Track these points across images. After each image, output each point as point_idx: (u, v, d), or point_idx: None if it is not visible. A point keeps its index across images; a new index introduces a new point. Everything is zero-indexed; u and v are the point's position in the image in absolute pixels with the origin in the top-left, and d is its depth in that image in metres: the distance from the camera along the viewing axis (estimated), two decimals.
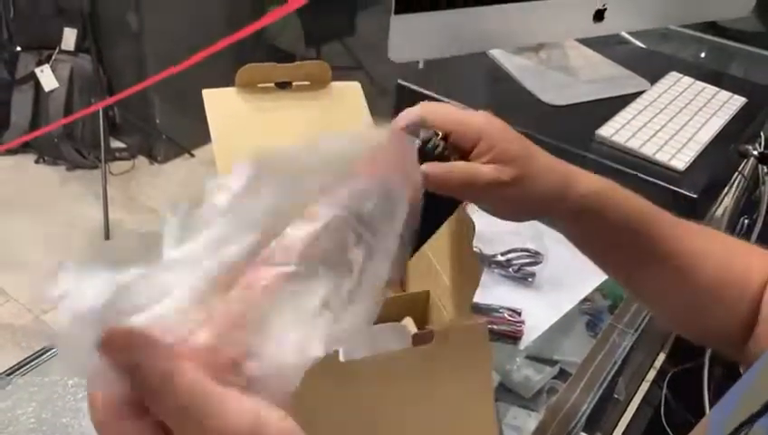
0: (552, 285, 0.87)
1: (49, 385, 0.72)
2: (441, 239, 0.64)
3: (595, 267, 0.59)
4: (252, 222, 0.32)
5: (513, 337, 0.80)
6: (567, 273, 0.86)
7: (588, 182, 0.53)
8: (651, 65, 1.26)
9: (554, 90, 1.16)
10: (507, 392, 0.78)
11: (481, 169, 0.50)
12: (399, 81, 1.13)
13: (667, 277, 0.56)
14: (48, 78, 2.60)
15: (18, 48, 2.63)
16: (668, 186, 0.97)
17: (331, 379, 0.53)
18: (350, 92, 0.72)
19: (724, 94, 1.19)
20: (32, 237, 2.30)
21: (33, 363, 0.74)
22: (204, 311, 0.29)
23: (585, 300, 0.87)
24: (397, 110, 0.53)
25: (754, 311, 0.55)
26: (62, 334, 0.27)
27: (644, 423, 1.02)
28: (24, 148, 2.68)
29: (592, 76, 1.21)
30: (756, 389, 0.40)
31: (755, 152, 1.11)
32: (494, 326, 0.79)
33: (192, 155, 2.72)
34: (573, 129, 1.07)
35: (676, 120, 1.10)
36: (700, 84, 1.21)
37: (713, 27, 1.54)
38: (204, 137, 0.65)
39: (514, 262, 0.88)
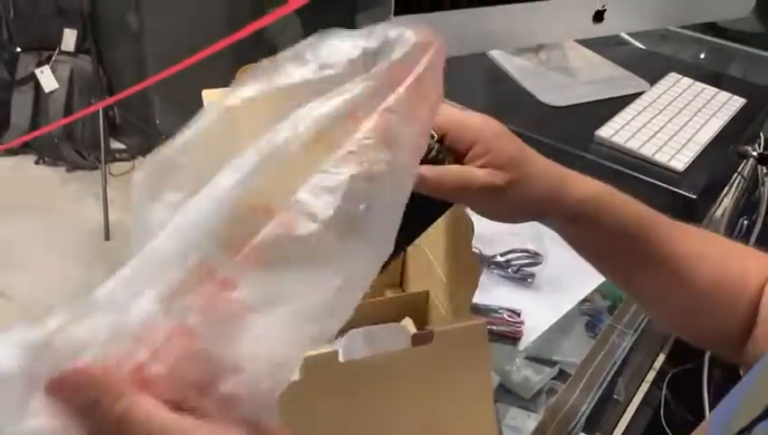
0: (552, 285, 0.87)
1: None
2: (440, 240, 0.64)
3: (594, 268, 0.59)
4: (193, 237, 0.30)
5: (513, 338, 0.80)
6: (566, 273, 0.86)
7: (585, 187, 0.53)
8: (651, 66, 1.26)
9: (554, 90, 1.16)
10: (507, 393, 0.78)
11: (475, 173, 0.50)
12: None
13: (663, 280, 0.56)
14: (48, 79, 2.60)
15: (18, 49, 2.63)
16: (668, 186, 0.97)
17: (331, 379, 0.53)
18: None
19: (724, 95, 1.19)
20: (31, 238, 2.30)
21: None
22: (155, 337, 0.28)
23: (584, 301, 0.87)
24: None
25: (752, 313, 0.55)
26: None
27: (643, 424, 1.02)
28: (24, 148, 2.68)
29: (592, 77, 1.21)
30: (756, 392, 0.40)
31: (755, 153, 1.11)
32: (494, 327, 0.79)
33: None
34: (573, 129, 1.07)
35: (675, 121, 1.10)
36: (699, 85, 1.21)
37: (712, 28, 1.54)
38: None
39: (514, 263, 0.88)
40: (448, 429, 0.60)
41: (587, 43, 1.29)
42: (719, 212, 1.09)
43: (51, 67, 2.61)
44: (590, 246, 0.57)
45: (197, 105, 0.66)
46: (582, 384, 0.76)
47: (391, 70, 0.33)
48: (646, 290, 0.59)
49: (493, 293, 0.85)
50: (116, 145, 2.73)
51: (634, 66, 1.25)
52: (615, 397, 0.87)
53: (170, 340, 0.28)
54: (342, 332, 0.54)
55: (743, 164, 1.14)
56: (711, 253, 0.57)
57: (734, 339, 0.56)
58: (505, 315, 0.81)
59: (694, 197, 0.96)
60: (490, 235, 0.89)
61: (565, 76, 1.21)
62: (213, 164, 0.31)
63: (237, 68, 0.68)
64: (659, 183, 0.98)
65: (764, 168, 1.14)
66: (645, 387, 0.90)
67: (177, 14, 2.55)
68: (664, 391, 1.11)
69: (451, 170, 0.50)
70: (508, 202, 0.51)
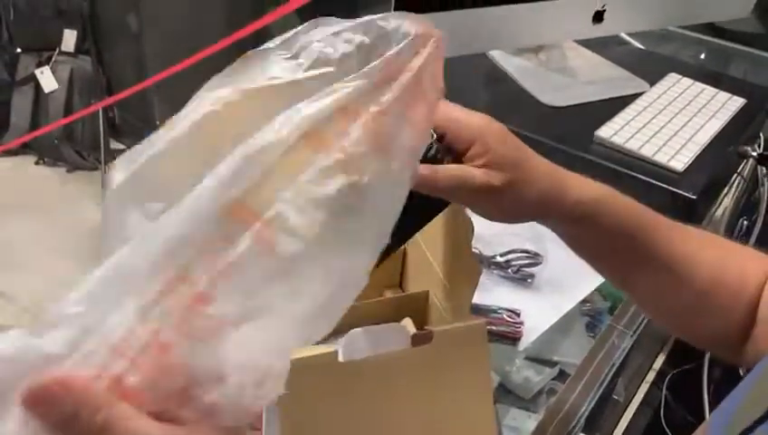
0: (552, 286, 0.87)
1: None
2: (440, 240, 0.64)
3: None
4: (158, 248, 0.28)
5: (513, 338, 0.80)
6: (566, 274, 0.86)
7: (584, 189, 0.53)
8: (650, 66, 1.26)
9: (553, 91, 1.16)
10: (507, 393, 0.78)
11: (471, 173, 0.50)
12: None
13: (663, 281, 0.56)
14: (48, 79, 2.60)
15: (18, 49, 2.63)
16: (667, 187, 0.97)
17: (331, 379, 0.53)
18: None
19: (724, 95, 1.19)
20: (31, 239, 2.30)
21: None
22: (131, 348, 0.27)
23: (584, 301, 0.87)
24: None
25: (751, 313, 0.55)
26: None
27: (643, 424, 1.02)
28: (24, 149, 2.68)
29: (591, 77, 1.21)
30: (757, 393, 0.40)
31: (754, 153, 1.11)
32: (494, 327, 0.79)
33: None
34: (572, 130, 1.07)
35: (675, 122, 1.10)
36: (699, 85, 1.21)
37: (712, 28, 1.54)
38: None
39: (514, 263, 0.88)
40: (448, 429, 0.60)
41: (587, 43, 1.29)
42: (719, 212, 1.09)
43: (51, 68, 2.61)
44: (589, 247, 0.57)
45: None
46: (582, 385, 0.76)
47: (387, 66, 0.31)
48: (644, 290, 0.59)
49: (493, 293, 0.85)
50: (116, 146, 2.73)
51: (634, 66, 1.25)
52: (615, 397, 0.87)
53: (147, 350, 0.27)
54: (342, 332, 0.54)
55: (742, 164, 1.14)
56: (709, 253, 0.57)
57: (734, 339, 0.56)
58: (505, 316, 0.81)
59: (693, 197, 0.96)
60: (490, 235, 0.89)
61: (565, 76, 1.21)
62: (196, 168, 0.29)
63: None
64: (659, 183, 0.98)
65: (764, 168, 1.14)
66: (645, 387, 0.90)
67: (176, 15, 2.55)
68: (664, 392, 1.11)
69: (447, 169, 0.50)
70: (506, 203, 0.51)
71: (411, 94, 0.32)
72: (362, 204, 0.30)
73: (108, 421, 0.26)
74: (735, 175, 1.14)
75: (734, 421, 0.39)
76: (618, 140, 1.04)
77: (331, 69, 0.32)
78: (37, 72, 2.60)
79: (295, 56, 0.32)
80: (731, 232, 1.14)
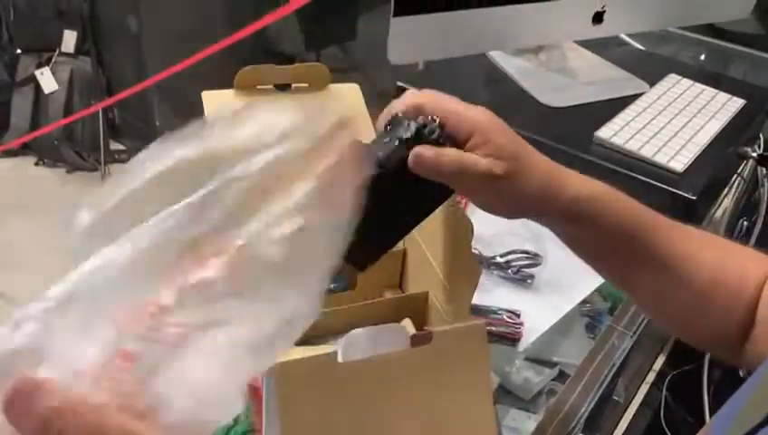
0: (552, 286, 0.87)
1: None
2: (440, 241, 0.64)
3: None
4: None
5: (512, 339, 0.80)
6: (566, 274, 0.86)
7: (583, 186, 0.53)
8: (650, 67, 1.26)
9: (553, 91, 1.16)
10: (506, 394, 0.78)
11: (475, 159, 0.50)
12: (399, 83, 1.14)
13: (662, 281, 0.56)
14: (48, 80, 2.60)
15: (18, 50, 2.63)
16: (667, 187, 0.97)
17: (331, 380, 0.53)
18: (349, 94, 0.72)
19: (723, 96, 1.19)
20: (31, 239, 2.30)
21: None
22: (94, 366, 0.28)
23: (584, 302, 0.87)
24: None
25: (750, 314, 0.55)
26: None
27: (643, 425, 1.02)
28: (24, 150, 2.68)
29: (591, 78, 1.21)
30: (757, 398, 0.40)
31: (754, 154, 1.11)
32: (493, 328, 0.79)
33: None
34: (572, 130, 1.07)
35: (675, 122, 1.10)
36: (699, 86, 1.21)
37: (712, 29, 1.54)
38: None
39: (513, 263, 0.88)
40: (448, 430, 0.60)
41: (586, 44, 1.29)
42: (719, 213, 1.09)
43: (51, 68, 2.61)
44: (588, 246, 0.57)
45: (197, 106, 0.67)
46: (582, 385, 0.76)
47: (309, 155, 0.35)
48: (644, 290, 0.58)
49: (492, 294, 0.85)
50: (115, 146, 2.73)
51: (633, 67, 1.25)
52: (615, 398, 0.87)
53: (108, 369, 0.28)
54: (342, 332, 0.54)
55: (742, 165, 1.14)
56: (709, 253, 0.57)
57: (733, 340, 0.56)
58: (505, 316, 0.81)
59: (693, 198, 0.96)
60: (490, 236, 0.89)
61: (565, 77, 1.21)
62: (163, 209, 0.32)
63: (237, 69, 0.68)
64: (659, 184, 0.98)
65: (764, 169, 1.14)
66: (645, 388, 0.90)
67: (176, 16, 2.55)
68: (664, 393, 1.10)
69: (451, 153, 0.50)
70: (506, 193, 0.51)
71: (332, 182, 0.35)
72: (312, 244, 0.34)
73: (97, 423, 0.26)
74: (735, 176, 1.14)
75: (736, 426, 0.39)
76: (617, 140, 1.04)
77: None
78: (37, 72, 2.61)
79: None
80: (731, 233, 1.14)
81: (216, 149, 0.33)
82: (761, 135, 1.18)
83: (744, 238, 1.15)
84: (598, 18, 1.13)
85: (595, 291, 0.87)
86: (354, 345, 0.53)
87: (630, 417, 0.86)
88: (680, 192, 0.96)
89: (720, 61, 1.54)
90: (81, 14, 2.52)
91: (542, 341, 0.81)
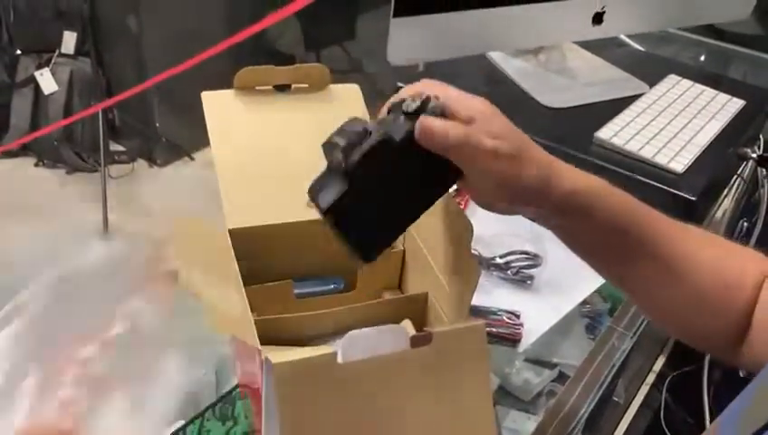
0: (551, 287, 0.87)
1: None
2: (439, 241, 0.64)
3: None
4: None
5: (512, 340, 0.80)
6: (566, 275, 0.86)
7: (578, 179, 0.53)
8: (650, 68, 1.26)
9: (553, 92, 1.16)
10: (506, 395, 0.78)
11: (480, 136, 0.50)
12: (399, 83, 1.13)
13: (661, 279, 0.56)
14: (48, 81, 2.60)
15: (18, 51, 2.63)
16: (667, 188, 0.97)
17: (330, 380, 0.53)
18: (349, 95, 0.72)
19: (723, 97, 1.19)
20: (31, 240, 2.30)
21: None
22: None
23: (584, 303, 0.87)
24: None
25: (748, 314, 0.55)
26: None
27: (643, 426, 1.02)
28: (24, 151, 2.68)
29: (591, 79, 1.21)
30: (757, 404, 0.40)
31: (754, 155, 1.11)
32: (493, 329, 0.79)
33: (192, 158, 2.71)
34: (572, 131, 1.07)
35: (674, 123, 1.10)
36: (699, 87, 1.21)
37: (712, 30, 1.54)
38: (204, 140, 0.65)
39: (513, 264, 0.88)
40: (448, 431, 0.60)
41: (586, 44, 1.29)
42: (719, 214, 1.09)
43: (50, 69, 2.61)
44: (582, 240, 0.56)
45: (197, 107, 0.67)
46: (582, 386, 0.76)
47: None
48: (640, 288, 0.58)
49: (492, 295, 0.85)
50: (115, 147, 2.73)
51: (633, 68, 1.25)
52: (615, 399, 0.87)
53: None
54: (341, 333, 0.54)
55: (742, 166, 1.14)
56: (708, 253, 0.57)
57: (731, 340, 0.56)
58: (505, 317, 0.81)
59: (693, 198, 0.96)
60: (490, 236, 0.89)
61: (564, 78, 1.21)
62: None
63: (237, 70, 0.68)
64: (659, 185, 0.98)
65: (764, 169, 1.14)
66: (645, 389, 0.90)
67: (176, 17, 2.55)
68: (664, 394, 1.10)
69: (458, 124, 0.50)
70: (508, 177, 0.50)
71: None
72: None
73: None
74: (735, 176, 1.14)
75: (744, 423, 0.39)
76: (617, 141, 1.04)
77: None
78: (37, 73, 2.61)
79: None
80: (731, 233, 1.14)
81: None
82: (761, 136, 1.18)
83: (744, 239, 1.15)
84: (597, 19, 1.13)
85: (595, 292, 0.87)
86: (354, 346, 0.53)
87: (630, 418, 0.86)
88: (680, 193, 0.96)
89: (720, 61, 1.54)
90: (81, 14, 2.52)
91: (541, 342, 0.81)
